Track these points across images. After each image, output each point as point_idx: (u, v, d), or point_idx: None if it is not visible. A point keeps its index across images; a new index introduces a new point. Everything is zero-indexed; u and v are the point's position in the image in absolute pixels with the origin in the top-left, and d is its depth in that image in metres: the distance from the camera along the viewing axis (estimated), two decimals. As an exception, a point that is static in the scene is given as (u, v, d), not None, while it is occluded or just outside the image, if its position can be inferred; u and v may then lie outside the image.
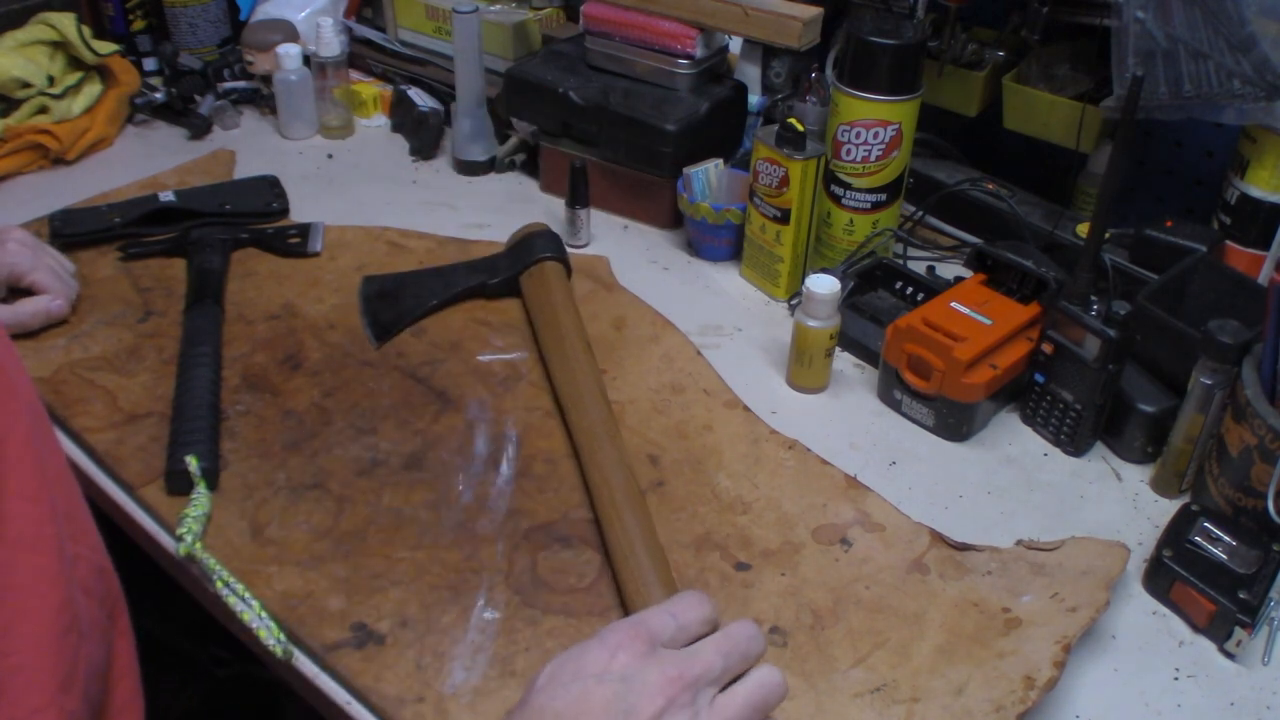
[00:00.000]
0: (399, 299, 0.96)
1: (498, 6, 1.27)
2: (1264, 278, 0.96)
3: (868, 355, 0.94)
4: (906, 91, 0.94)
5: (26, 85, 1.16)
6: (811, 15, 1.05)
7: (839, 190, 0.99)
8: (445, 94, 1.27)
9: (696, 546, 0.74)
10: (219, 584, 0.68)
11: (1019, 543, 0.75)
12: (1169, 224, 0.94)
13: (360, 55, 1.37)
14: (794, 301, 1.01)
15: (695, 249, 1.09)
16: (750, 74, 1.16)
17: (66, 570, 0.48)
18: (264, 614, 0.67)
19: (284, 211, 1.10)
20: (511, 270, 0.98)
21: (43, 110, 1.18)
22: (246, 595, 0.67)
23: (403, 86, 1.29)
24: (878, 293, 1.01)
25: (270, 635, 0.65)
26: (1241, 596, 0.68)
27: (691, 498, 0.78)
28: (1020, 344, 0.86)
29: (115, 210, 1.04)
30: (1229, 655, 0.69)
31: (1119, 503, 0.81)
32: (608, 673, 0.50)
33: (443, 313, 0.96)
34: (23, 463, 0.47)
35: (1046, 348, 0.83)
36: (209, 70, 1.30)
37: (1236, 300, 0.84)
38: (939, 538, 0.75)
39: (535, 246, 0.98)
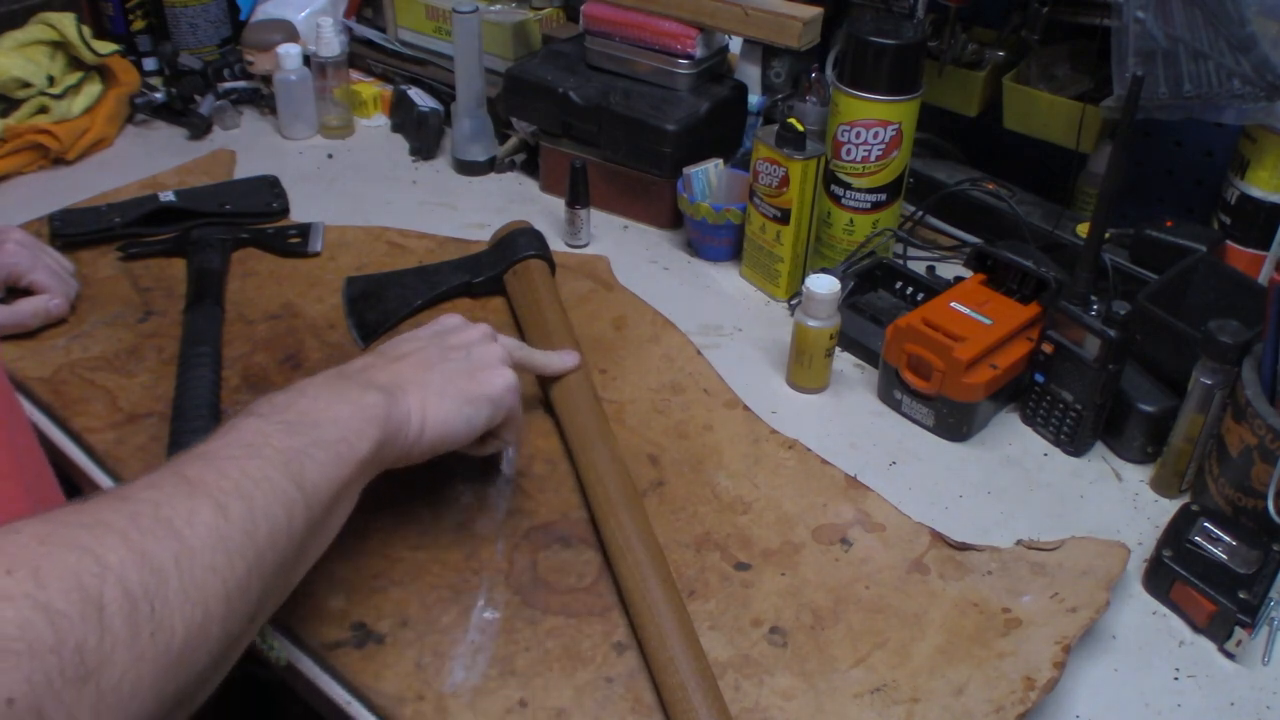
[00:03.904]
0: (383, 299, 0.96)
1: (498, 6, 1.27)
2: (1264, 278, 0.96)
3: (868, 355, 0.94)
4: (906, 91, 0.94)
5: (26, 85, 1.16)
6: (811, 15, 1.05)
7: (839, 190, 0.99)
8: (445, 94, 1.27)
9: (696, 546, 0.74)
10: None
11: (1019, 543, 0.75)
12: (1169, 224, 0.94)
13: (360, 55, 1.37)
14: (794, 301, 1.01)
15: (695, 249, 1.09)
16: (750, 74, 1.16)
17: None
18: None
19: (284, 211, 1.10)
20: (495, 269, 0.98)
21: (43, 110, 1.18)
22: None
23: (403, 86, 1.29)
24: (878, 293, 1.01)
25: (264, 641, 0.65)
26: (1241, 596, 0.68)
27: (691, 497, 0.78)
28: (1020, 344, 0.86)
29: (115, 210, 1.04)
30: (1229, 655, 0.69)
31: (1119, 503, 0.81)
32: (436, 328, 0.74)
33: (439, 313, 0.96)
34: None
35: (1046, 348, 0.83)
36: (209, 70, 1.30)
37: (1236, 300, 0.84)
38: (939, 538, 0.75)
39: (518, 244, 0.98)
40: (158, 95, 1.27)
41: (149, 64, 1.36)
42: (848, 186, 0.99)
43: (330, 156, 1.24)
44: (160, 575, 0.45)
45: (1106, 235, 0.89)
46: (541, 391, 0.87)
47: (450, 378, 0.68)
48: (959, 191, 1.09)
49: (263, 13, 1.36)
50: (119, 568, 0.43)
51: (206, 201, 1.07)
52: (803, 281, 0.88)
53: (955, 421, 0.85)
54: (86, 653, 0.41)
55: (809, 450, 0.83)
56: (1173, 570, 0.71)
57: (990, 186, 1.08)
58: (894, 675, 0.65)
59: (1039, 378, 0.85)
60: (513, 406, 0.71)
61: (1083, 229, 1.00)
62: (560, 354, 0.83)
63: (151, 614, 0.44)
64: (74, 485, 0.79)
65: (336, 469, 0.58)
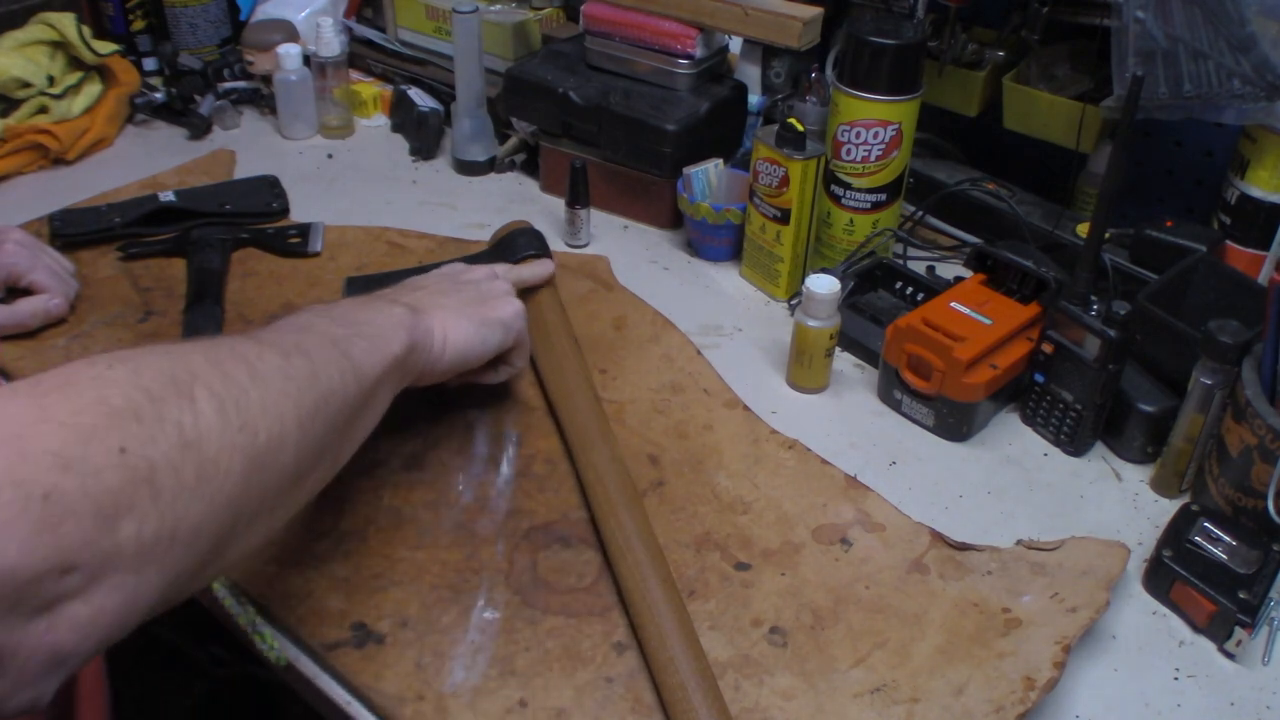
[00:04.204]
0: None
1: (498, 6, 1.27)
2: (1264, 278, 0.96)
3: (868, 355, 0.94)
4: (906, 91, 0.94)
5: (26, 85, 1.16)
6: (811, 15, 1.05)
7: (839, 190, 0.99)
8: (445, 94, 1.27)
9: (696, 546, 0.74)
10: (215, 585, 0.68)
11: (1019, 543, 0.75)
12: (1169, 224, 0.94)
13: (360, 55, 1.37)
14: (794, 301, 1.01)
15: (695, 249, 1.09)
16: (750, 74, 1.16)
17: None
18: (258, 619, 0.67)
19: (284, 211, 1.10)
20: None
21: (43, 110, 1.18)
22: (242, 600, 0.67)
23: (403, 86, 1.29)
24: (878, 293, 1.01)
25: (264, 642, 0.65)
26: (1241, 596, 0.68)
27: (691, 497, 0.78)
28: (1020, 344, 0.86)
29: (115, 210, 1.04)
30: (1229, 655, 0.69)
31: (1119, 503, 0.81)
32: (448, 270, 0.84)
33: (443, 313, 0.96)
34: None
35: (1046, 348, 0.83)
36: (209, 70, 1.30)
37: (1236, 300, 0.84)
38: (939, 538, 0.75)
39: (518, 244, 0.98)
40: (158, 95, 1.27)
41: (149, 64, 1.36)
42: (848, 186, 0.99)
43: (330, 156, 1.24)
44: (240, 387, 0.50)
45: (1106, 235, 0.89)
46: (542, 392, 0.87)
47: (466, 303, 0.76)
48: (959, 191, 1.09)
49: (263, 13, 1.36)
50: (205, 374, 0.49)
51: (206, 201, 1.07)
52: (803, 281, 0.88)
53: (955, 421, 0.85)
54: (185, 428, 0.46)
55: (809, 450, 0.83)
56: (1173, 570, 0.71)
57: (990, 186, 1.08)
58: (894, 675, 0.65)
59: (1039, 378, 0.85)
60: (521, 331, 0.79)
61: (1083, 229, 1.00)
62: (537, 263, 0.93)
63: (237, 411, 0.49)
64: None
65: (378, 356, 0.64)
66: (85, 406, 0.44)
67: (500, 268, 0.87)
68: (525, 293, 0.94)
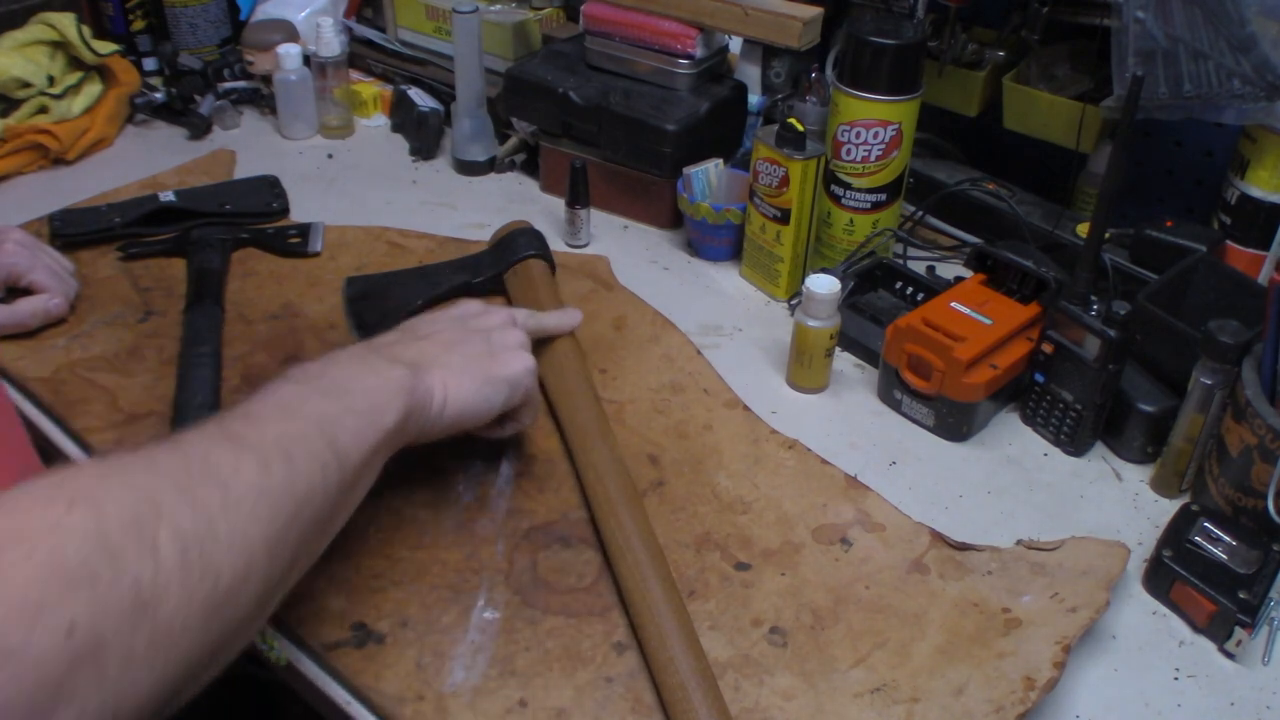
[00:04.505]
0: (383, 300, 0.96)
1: (498, 6, 1.27)
2: (1264, 278, 0.96)
3: (868, 355, 0.94)
4: (906, 91, 0.94)
5: (26, 85, 1.16)
6: (811, 15, 1.05)
7: (839, 190, 0.99)
8: (445, 94, 1.27)
9: (696, 546, 0.74)
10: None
11: (1019, 543, 0.75)
12: (1169, 224, 0.94)
13: (360, 55, 1.37)
14: (794, 301, 1.01)
15: (695, 249, 1.09)
16: (750, 74, 1.16)
17: None
18: None
19: (284, 211, 1.10)
20: (495, 269, 0.97)
21: (43, 110, 1.18)
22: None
23: (403, 86, 1.29)
24: (878, 293, 1.01)
25: (263, 642, 0.65)
26: (1241, 596, 0.68)
27: (691, 497, 0.78)
28: (1020, 344, 0.86)
29: (115, 210, 1.04)
30: (1229, 655, 0.69)
31: (1119, 503, 0.81)
32: (462, 310, 0.77)
33: (443, 313, 0.96)
34: None
35: (1046, 348, 0.83)
36: (209, 70, 1.30)
37: (1236, 300, 0.84)
38: (939, 538, 0.75)
39: (518, 245, 0.98)
40: (158, 95, 1.27)
41: (149, 64, 1.36)
42: (848, 186, 0.99)
43: (330, 156, 1.24)
44: (209, 520, 0.47)
45: (1106, 235, 0.89)
46: (542, 392, 0.87)
47: (471, 359, 0.70)
48: (959, 191, 1.09)
49: (263, 13, 1.36)
50: (172, 510, 0.46)
51: (206, 201, 1.07)
52: (803, 281, 0.88)
53: (955, 421, 0.85)
54: (142, 586, 0.43)
55: (809, 450, 0.83)
56: (1173, 570, 0.71)
57: (990, 186, 1.08)
58: (894, 675, 0.65)
59: (1039, 378, 0.85)
60: (530, 389, 0.74)
61: (1083, 229, 1.00)
62: (563, 313, 0.87)
63: (201, 555, 0.46)
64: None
65: (367, 435, 0.60)
66: (35, 575, 0.40)
67: (521, 314, 0.80)
68: (528, 293, 0.94)
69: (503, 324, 0.76)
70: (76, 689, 0.40)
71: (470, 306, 0.78)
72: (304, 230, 1.06)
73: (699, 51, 1.09)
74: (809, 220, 0.98)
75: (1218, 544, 0.72)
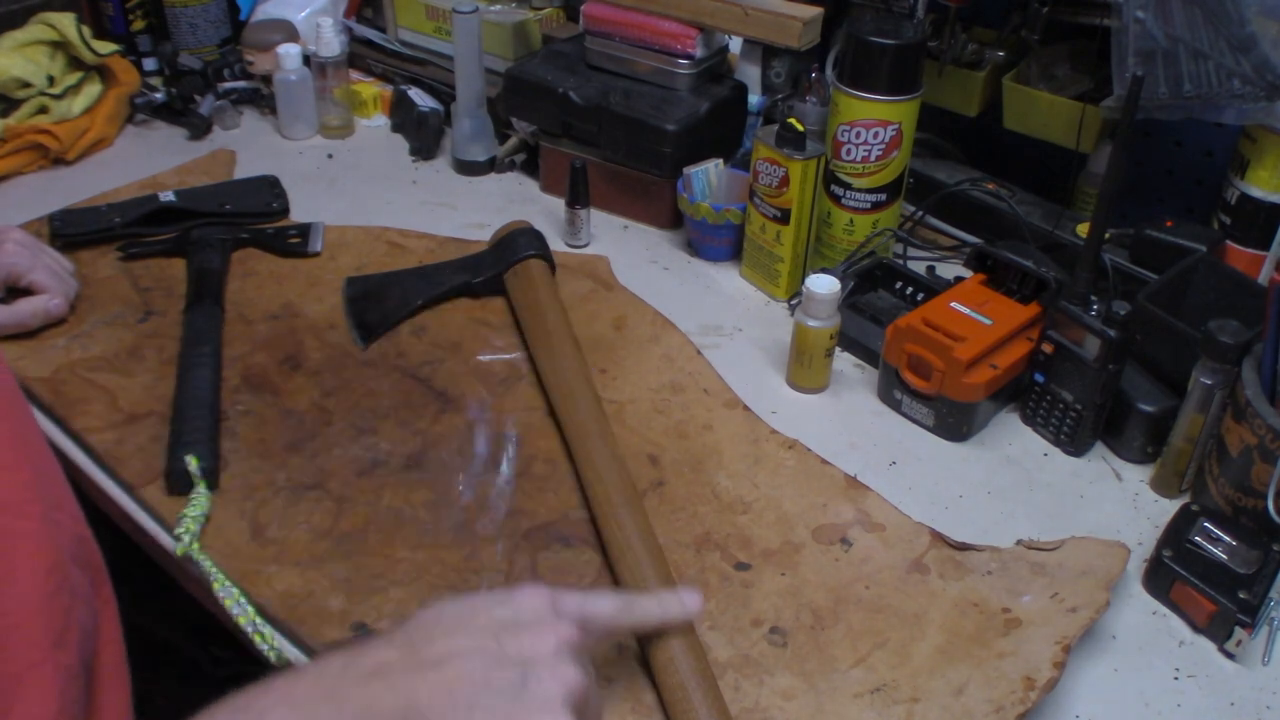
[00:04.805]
0: (383, 300, 0.96)
1: (498, 6, 1.27)
2: (1264, 278, 0.96)
3: (868, 355, 0.94)
4: (906, 91, 0.94)
5: (26, 85, 1.16)
6: (811, 15, 1.05)
7: (839, 190, 0.99)
8: (445, 94, 1.27)
9: (696, 546, 0.74)
10: (216, 585, 0.68)
11: (1019, 543, 0.75)
12: (1169, 224, 0.94)
13: (360, 55, 1.37)
14: (794, 301, 1.01)
15: (695, 249, 1.09)
16: (750, 74, 1.16)
17: (53, 535, 0.50)
18: (259, 619, 0.67)
19: (284, 211, 1.10)
20: (495, 269, 0.98)
21: (43, 110, 1.18)
22: (242, 600, 0.67)
23: (403, 86, 1.29)
24: (878, 293, 1.01)
25: (264, 642, 0.65)
26: (1241, 596, 0.68)
27: (691, 497, 0.78)
28: (1020, 344, 0.86)
29: (115, 210, 1.04)
30: (1229, 655, 0.69)
31: (1119, 503, 0.81)
32: (500, 603, 0.53)
33: (443, 313, 0.96)
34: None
35: (1046, 348, 0.83)
36: (209, 70, 1.30)
37: (1236, 300, 0.84)
38: (939, 538, 0.75)
39: (518, 244, 0.98)
40: (158, 95, 1.27)
41: (149, 64, 1.36)
42: (848, 186, 0.99)
43: (330, 156, 1.24)
44: None
45: (1106, 235, 0.89)
46: (542, 392, 0.87)
47: (493, 704, 0.48)
48: (959, 191, 1.09)
49: (263, 13, 1.36)
50: None
51: (206, 201, 1.07)
52: (803, 281, 0.88)
53: (955, 421, 0.85)
54: None
55: (809, 450, 0.83)
56: (1173, 570, 0.71)
57: (990, 186, 1.08)
58: (894, 675, 0.65)
59: (1039, 378, 0.85)
60: None
61: (1083, 229, 1.00)
62: (671, 596, 0.63)
63: None
64: (74, 485, 0.79)
65: None
66: None
67: (572, 605, 0.55)
68: (528, 293, 0.94)
69: (554, 654, 0.51)
70: None
71: (527, 603, 0.53)
72: (304, 230, 1.06)
73: (699, 51, 1.09)
74: (809, 220, 0.98)
75: (1218, 544, 0.72)
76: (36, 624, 0.46)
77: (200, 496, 0.74)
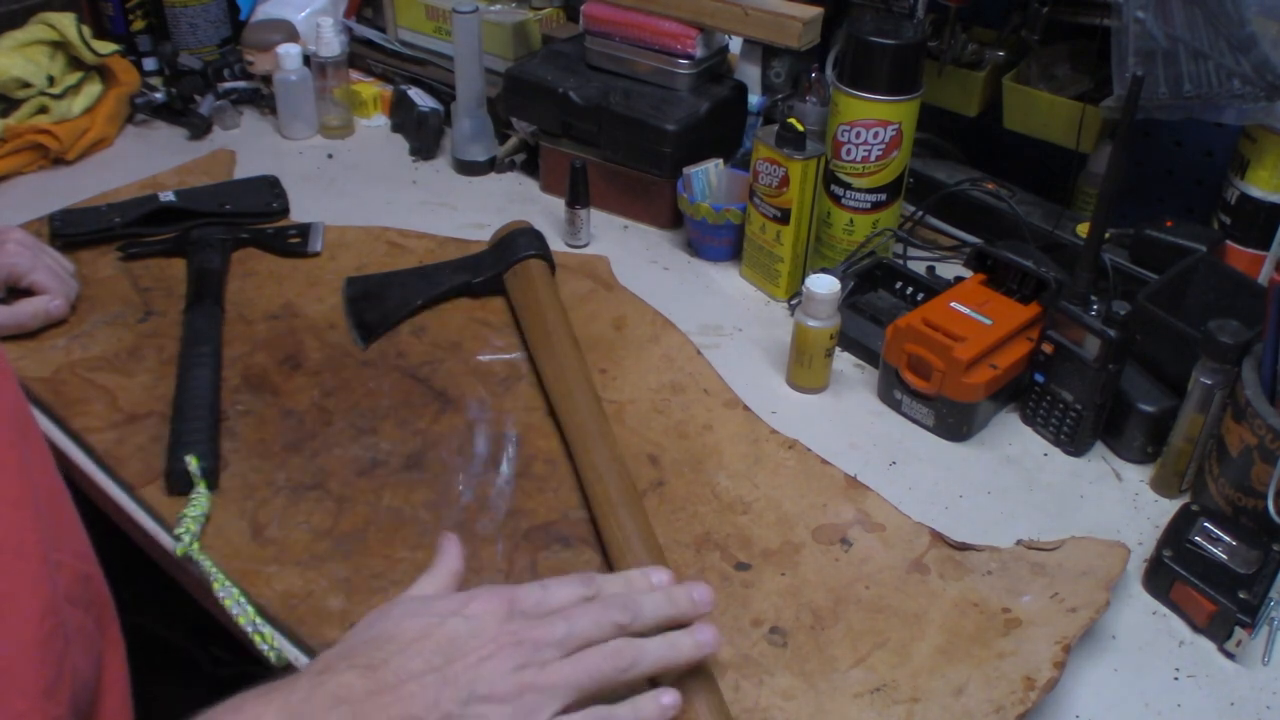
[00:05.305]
0: (383, 300, 0.96)
1: (498, 6, 1.27)
2: (1264, 278, 0.96)
3: (868, 355, 0.94)
4: (906, 91, 0.94)
5: (26, 85, 1.16)
6: (811, 15, 1.05)
7: (839, 190, 0.99)
8: (445, 94, 1.27)
9: (696, 546, 0.74)
10: (216, 585, 0.68)
11: (1019, 543, 0.75)
12: (1169, 224, 0.94)
13: (360, 55, 1.37)
14: (794, 301, 1.01)
15: (695, 249, 1.09)
16: (750, 74, 1.16)
17: (50, 577, 0.48)
18: (259, 619, 0.67)
19: (284, 211, 1.10)
20: (495, 269, 0.98)
21: (43, 110, 1.18)
22: (242, 600, 0.67)
23: (403, 86, 1.29)
24: (878, 293, 1.01)
25: (264, 642, 0.65)
26: (1241, 596, 0.68)
27: (691, 497, 0.78)
28: (1020, 344, 0.86)
29: (115, 210, 1.04)
30: (1229, 655, 0.69)
31: (1119, 503, 0.81)
32: (454, 614, 0.53)
33: (442, 313, 0.96)
34: (5, 468, 0.47)
35: (1046, 348, 0.83)
36: (209, 70, 1.30)
37: (1236, 300, 0.84)
38: (939, 538, 0.75)
39: (518, 244, 0.98)
40: (158, 95, 1.27)
41: (149, 64, 1.36)
42: (848, 186, 0.99)
43: (330, 156, 1.24)
44: None
45: (1106, 235, 0.89)
46: (542, 392, 0.87)
47: None
48: (959, 191, 1.09)
49: (263, 13, 1.36)
50: None
51: (206, 201, 1.07)
52: (803, 281, 0.88)
53: (955, 421, 0.85)
54: None
55: (809, 450, 0.83)
56: (1173, 570, 0.71)
57: (990, 186, 1.08)
58: (894, 675, 0.65)
59: (1039, 378, 0.85)
60: None
61: (1083, 229, 1.00)
62: (689, 635, 0.58)
63: None
64: (75, 485, 0.79)
65: None
66: None
67: (530, 602, 0.55)
68: (528, 293, 0.94)
69: (568, 637, 0.52)
70: None
71: (475, 611, 0.53)
72: (304, 230, 1.06)
73: (699, 51, 1.09)
74: (809, 220, 0.98)
75: (1218, 544, 0.72)
76: (27, 671, 0.44)
77: (200, 496, 0.74)
